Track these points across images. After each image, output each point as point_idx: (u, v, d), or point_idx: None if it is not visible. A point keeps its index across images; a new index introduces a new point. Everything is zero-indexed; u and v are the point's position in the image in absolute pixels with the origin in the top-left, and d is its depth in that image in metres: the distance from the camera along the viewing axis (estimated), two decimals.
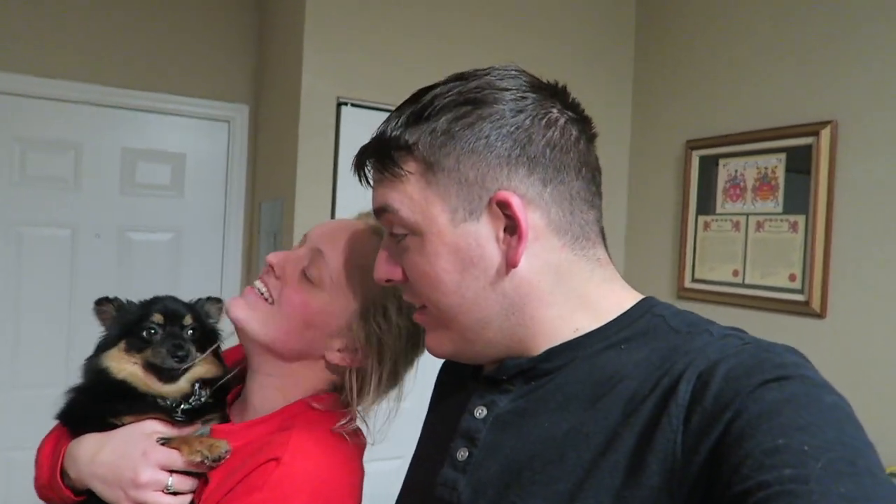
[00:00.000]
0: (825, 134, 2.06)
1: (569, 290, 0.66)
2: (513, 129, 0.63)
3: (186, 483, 0.82)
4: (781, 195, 2.20)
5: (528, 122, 0.64)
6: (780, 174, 2.21)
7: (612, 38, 2.79)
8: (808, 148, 2.11)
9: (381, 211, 0.68)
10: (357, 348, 0.87)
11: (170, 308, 0.93)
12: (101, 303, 0.95)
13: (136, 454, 0.80)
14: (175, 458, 0.81)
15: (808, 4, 2.16)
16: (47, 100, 2.53)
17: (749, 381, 0.51)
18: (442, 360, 0.88)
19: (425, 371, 0.93)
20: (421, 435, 0.84)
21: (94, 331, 2.53)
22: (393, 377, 0.89)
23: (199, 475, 0.82)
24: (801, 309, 2.11)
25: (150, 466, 0.80)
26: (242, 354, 0.95)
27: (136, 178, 2.70)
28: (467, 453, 0.66)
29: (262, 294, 0.88)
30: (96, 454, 0.82)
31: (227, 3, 2.79)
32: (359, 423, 0.88)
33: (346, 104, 2.28)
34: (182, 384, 0.90)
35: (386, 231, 0.70)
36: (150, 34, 2.66)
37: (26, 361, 2.52)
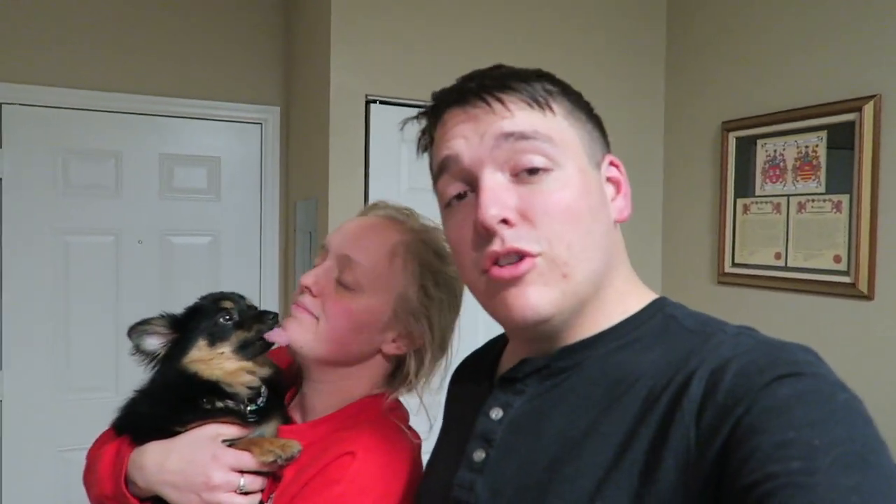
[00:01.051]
0: (868, 109, 1.99)
1: (626, 264, 0.70)
2: (593, 110, 0.72)
3: (256, 482, 0.84)
4: (823, 174, 2.14)
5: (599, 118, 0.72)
6: (822, 153, 2.14)
7: (643, 18, 2.74)
8: (851, 124, 2.04)
9: (517, 136, 0.63)
10: (410, 332, 0.91)
11: (232, 294, 0.95)
12: (143, 323, 0.92)
13: (206, 458, 0.82)
14: (246, 459, 0.83)
15: None
16: (86, 110, 2.60)
17: (761, 377, 0.51)
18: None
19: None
20: (437, 440, 0.85)
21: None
22: (441, 347, 0.94)
23: (267, 474, 0.85)
24: (848, 291, 2.04)
25: (222, 469, 0.81)
26: (289, 357, 0.97)
27: (174, 182, 2.76)
28: (484, 454, 0.67)
29: (302, 312, 0.90)
30: (164, 462, 0.83)
31: (254, 8, 2.83)
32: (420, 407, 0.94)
33: (374, 101, 2.28)
34: (267, 368, 0.93)
35: (500, 164, 0.64)
36: (181, 42, 2.71)
37: (77, 366, 2.60)
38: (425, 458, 0.87)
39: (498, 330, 0.76)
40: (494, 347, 0.83)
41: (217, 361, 0.88)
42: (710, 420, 0.51)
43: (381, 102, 2.29)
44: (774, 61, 2.31)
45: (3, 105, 2.49)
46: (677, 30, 2.73)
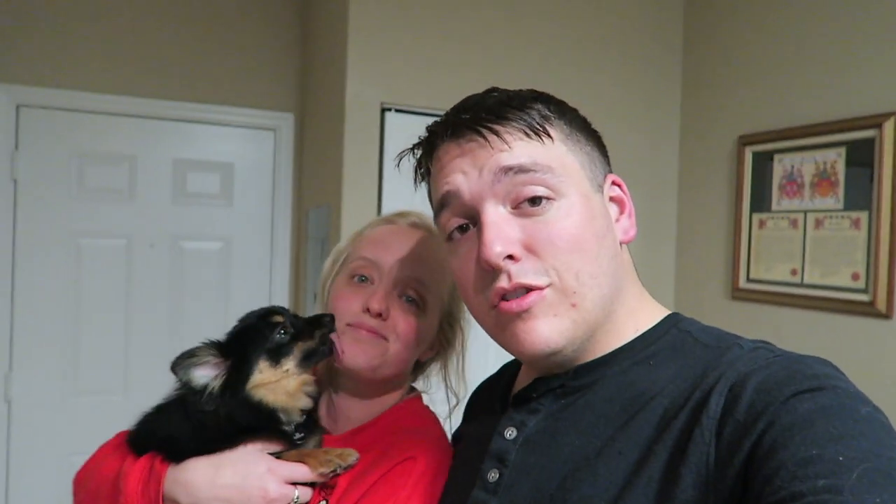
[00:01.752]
0: (889, 126, 1.96)
1: (635, 283, 0.69)
2: (592, 128, 0.71)
3: (307, 493, 0.84)
4: (842, 191, 2.11)
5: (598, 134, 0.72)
6: (840, 169, 2.12)
7: (660, 32, 2.73)
8: (871, 141, 2.02)
9: (517, 170, 0.62)
10: (446, 337, 0.98)
11: (278, 307, 0.90)
12: (189, 356, 0.83)
13: (260, 471, 0.81)
14: (301, 470, 0.83)
15: None
16: (101, 114, 2.62)
17: (781, 392, 0.50)
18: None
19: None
20: (452, 464, 0.85)
21: (150, 339, 2.59)
22: (460, 335, 1.01)
23: (315, 485, 0.85)
24: (866, 309, 2.01)
25: (278, 481, 0.81)
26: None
27: (187, 187, 2.76)
28: (498, 474, 0.66)
29: (376, 333, 0.90)
30: (216, 477, 0.81)
31: (271, 15, 2.84)
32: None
33: (389, 110, 2.28)
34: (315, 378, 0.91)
35: (501, 198, 0.63)
36: (197, 48, 2.73)
37: (86, 369, 2.61)
38: None
39: (508, 357, 0.76)
40: (508, 371, 0.84)
41: (283, 383, 0.84)
42: (731, 437, 0.50)
43: (397, 111, 2.28)
44: (792, 76, 2.28)
45: (20, 108, 2.51)
46: (694, 44, 2.72)
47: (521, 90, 0.69)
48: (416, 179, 0.74)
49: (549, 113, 0.66)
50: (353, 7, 2.24)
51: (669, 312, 0.68)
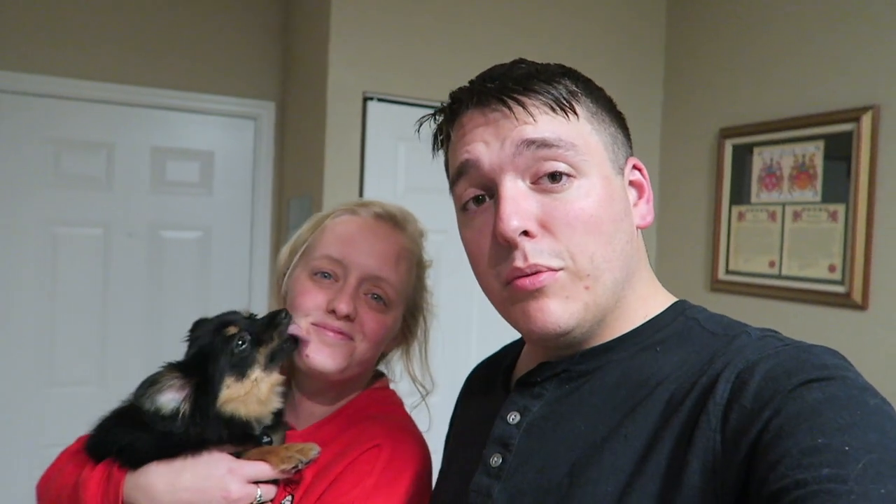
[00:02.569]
0: (866, 120, 1.99)
1: (647, 269, 0.69)
2: (618, 112, 0.69)
3: (271, 491, 0.84)
4: (820, 184, 2.13)
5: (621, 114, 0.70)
6: (819, 162, 2.14)
7: (642, 24, 2.74)
8: (849, 134, 2.04)
9: (539, 144, 0.61)
10: (409, 328, 0.98)
11: (230, 317, 0.88)
12: (151, 383, 0.80)
13: (221, 472, 0.80)
14: (262, 469, 0.82)
15: None
16: (78, 101, 2.56)
17: (789, 380, 0.50)
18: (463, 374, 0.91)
19: (453, 373, 0.95)
20: (448, 445, 0.85)
21: (127, 329, 2.56)
22: (423, 325, 1.00)
23: (278, 482, 0.84)
24: (842, 301, 2.04)
25: (240, 481, 0.80)
26: None
27: (166, 176, 2.72)
28: (501, 459, 0.65)
29: (342, 333, 0.89)
30: (176, 480, 0.80)
31: (253, 2, 2.80)
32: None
33: (372, 99, 2.26)
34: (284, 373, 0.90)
35: (520, 172, 0.62)
36: (176, 33, 2.68)
37: (61, 360, 2.56)
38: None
39: (491, 341, 0.75)
40: (509, 354, 0.82)
41: (254, 392, 0.83)
42: (737, 423, 0.50)
43: (379, 100, 2.27)
44: (773, 69, 2.30)
45: None
46: (675, 37, 2.73)
47: (549, 64, 0.67)
48: (434, 146, 0.72)
49: (576, 89, 0.64)
50: None
51: (677, 300, 0.68)
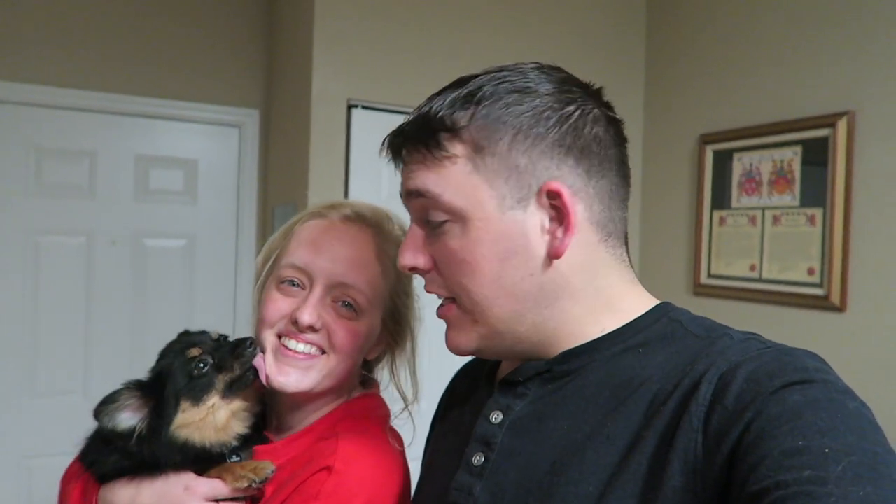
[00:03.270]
0: (842, 125, 2.03)
1: (598, 287, 0.66)
2: (563, 118, 0.63)
3: None
4: (798, 188, 2.17)
5: (577, 113, 0.64)
6: (797, 167, 2.18)
7: (622, 31, 2.77)
8: (825, 140, 2.08)
9: (415, 195, 0.65)
10: (391, 335, 0.93)
11: (195, 338, 0.86)
12: (110, 401, 0.80)
13: (178, 491, 0.80)
14: (219, 487, 0.80)
15: None
16: (61, 109, 2.55)
17: (771, 382, 0.50)
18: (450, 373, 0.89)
19: (441, 378, 0.93)
20: (430, 446, 0.84)
21: (111, 338, 2.53)
22: (409, 331, 0.96)
23: (244, 498, 0.83)
24: (821, 303, 2.08)
25: (196, 500, 0.79)
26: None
27: (150, 184, 2.71)
28: (483, 458, 0.66)
29: (309, 353, 0.85)
30: (135, 498, 0.80)
31: (236, 9, 2.80)
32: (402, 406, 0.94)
33: (356, 106, 2.27)
34: (254, 403, 0.87)
35: (416, 217, 0.68)
36: (160, 41, 2.68)
37: (44, 369, 2.54)
38: (411, 463, 0.86)
39: None
40: None
41: (209, 419, 0.81)
42: (719, 425, 0.51)
43: (363, 107, 2.28)
44: (751, 76, 2.34)
45: None
46: (656, 46, 2.77)
47: (453, 97, 0.65)
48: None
49: (465, 125, 0.63)
50: (319, 2, 2.23)
51: (660, 302, 0.68)
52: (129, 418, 0.80)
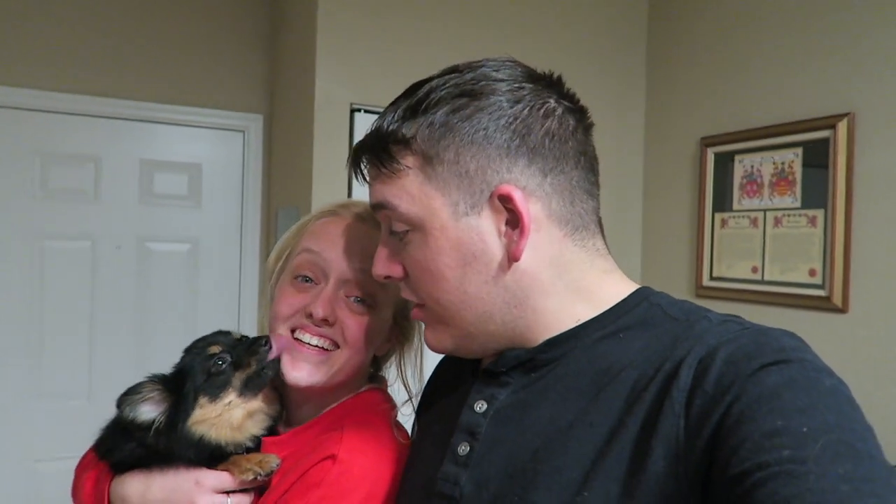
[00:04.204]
0: (842, 126, 2.03)
1: (570, 280, 0.66)
2: (511, 119, 0.63)
3: (244, 500, 0.83)
4: (799, 190, 2.18)
5: (525, 112, 0.63)
6: (797, 169, 2.19)
7: (623, 35, 2.78)
8: (825, 141, 2.09)
9: (378, 207, 0.68)
10: (401, 330, 0.94)
11: (216, 336, 0.88)
12: (133, 392, 0.82)
13: (189, 485, 0.81)
14: (227, 479, 0.82)
15: None
16: (66, 114, 2.57)
17: (749, 364, 0.51)
18: (438, 359, 0.90)
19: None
20: (415, 436, 0.85)
21: (115, 342, 2.53)
22: (417, 327, 0.95)
23: (253, 490, 0.84)
24: (823, 304, 2.08)
25: (206, 493, 0.81)
26: None
27: (154, 188, 2.73)
28: (468, 447, 0.66)
29: (323, 347, 0.86)
30: (146, 492, 0.81)
31: (240, 15, 2.82)
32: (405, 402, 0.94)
33: (359, 110, 2.29)
34: (272, 404, 0.88)
35: (384, 228, 0.70)
36: (164, 47, 2.70)
37: (49, 373, 2.55)
38: None
39: None
40: None
41: (226, 416, 0.82)
42: (699, 409, 0.52)
43: (366, 111, 2.29)
44: (752, 79, 2.35)
45: None
46: (657, 47, 2.78)
47: (405, 105, 0.66)
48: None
49: (412, 136, 0.64)
50: (323, 6, 2.24)
51: (639, 287, 0.68)
52: (149, 411, 0.82)
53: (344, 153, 2.26)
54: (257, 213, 2.88)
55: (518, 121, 0.63)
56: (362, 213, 0.91)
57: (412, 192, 0.64)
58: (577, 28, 2.68)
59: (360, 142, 0.70)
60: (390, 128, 0.65)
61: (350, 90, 2.28)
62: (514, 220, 0.63)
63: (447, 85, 0.65)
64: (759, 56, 2.33)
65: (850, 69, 2.05)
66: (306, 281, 0.88)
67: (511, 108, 0.63)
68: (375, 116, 2.42)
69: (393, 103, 0.68)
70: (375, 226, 0.89)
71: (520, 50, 2.61)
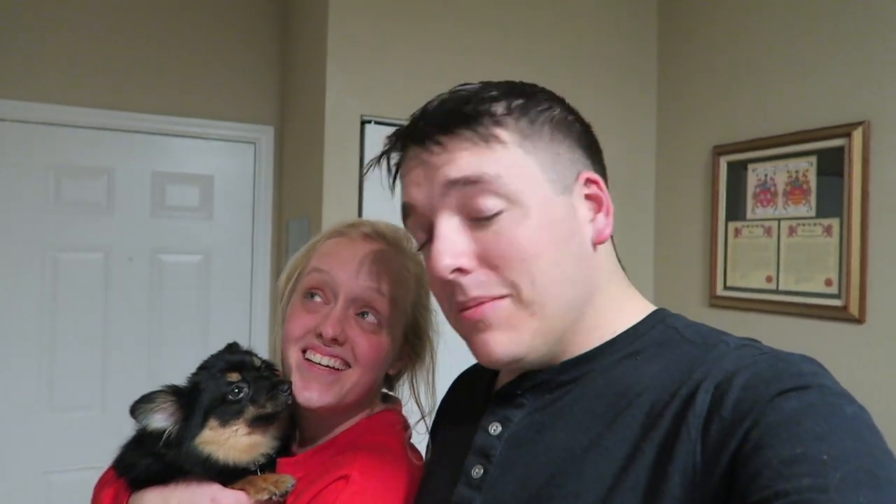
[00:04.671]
0: (857, 135, 2.01)
1: (612, 282, 0.68)
2: (575, 121, 0.67)
3: None
4: (814, 199, 2.16)
5: (580, 121, 0.68)
6: (812, 177, 2.17)
7: (635, 44, 2.78)
8: (840, 150, 2.07)
9: (462, 183, 0.61)
10: (413, 349, 0.93)
11: (240, 360, 0.88)
12: (147, 400, 0.83)
13: (205, 501, 0.81)
14: (242, 498, 0.82)
15: (835, 2, 2.12)
16: (79, 128, 2.60)
17: (767, 390, 0.50)
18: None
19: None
20: (429, 459, 0.84)
21: (128, 353, 2.55)
22: (428, 344, 0.96)
23: None
24: (839, 314, 2.05)
25: None
26: None
27: (166, 200, 2.75)
28: (482, 470, 0.65)
29: (334, 367, 0.86)
30: None
31: (251, 27, 2.85)
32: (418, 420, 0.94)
33: (369, 122, 2.29)
34: (278, 437, 0.88)
35: (453, 211, 0.63)
36: (175, 60, 2.72)
37: (63, 385, 2.56)
38: None
39: None
40: None
41: (232, 441, 0.83)
42: (717, 435, 0.50)
43: (377, 122, 2.30)
44: (765, 87, 2.34)
45: None
46: (669, 55, 2.77)
47: (485, 85, 0.66)
48: (391, 183, 0.72)
49: (505, 113, 0.62)
50: (333, 19, 2.25)
51: (656, 308, 0.68)
52: (161, 420, 0.82)
53: (355, 164, 2.27)
54: (268, 224, 2.89)
55: (580, 125, 0.68)
56: (370, 232, 0.92)
57: (512, 165, 0.61)
58: (587, 37, 2.67)
59: (435, 112, 0.65)
60: (479, 105, 0.63)
61: (360, 102, 2.29)
62: (596, 206, 0.66)
63: (509, 87, 0.67)
64: (771, 63, 2.32)
65: (865, 77, 2.03)
66: (316, 298, 0.88)
67: (570, 114, 0.67)
68: (386, 128, 2.40)
69: (455, 91, 0.66)
70: (383, 244, 0.90)
71: (530, 59, 2.62)
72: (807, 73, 2.20)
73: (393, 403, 0.97)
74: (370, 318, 0.87)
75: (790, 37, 2.25)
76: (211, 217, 2.82)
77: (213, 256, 2.83)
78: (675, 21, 2.74)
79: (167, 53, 2.71)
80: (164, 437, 0.82)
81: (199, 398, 0.83)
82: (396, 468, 0.82)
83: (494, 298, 0.61)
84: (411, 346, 0.94)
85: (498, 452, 0.65)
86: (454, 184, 0.61)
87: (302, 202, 2.54)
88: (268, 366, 0.90)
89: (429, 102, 0.67)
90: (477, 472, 0.65)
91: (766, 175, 2.32)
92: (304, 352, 0.87)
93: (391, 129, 2.48)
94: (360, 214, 2.28)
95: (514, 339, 0.62)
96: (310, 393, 0.85)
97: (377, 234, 0.92)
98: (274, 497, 0.81)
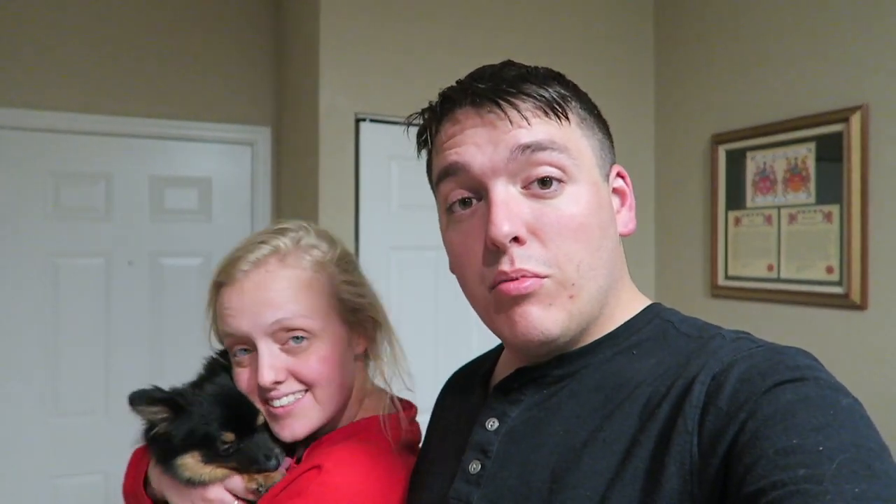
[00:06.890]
0: (856, 119, 2.00)
1: (622, 276, 0.69)
2: (601, 116, 0.70)
3: None
4: (813, 186, 2.15)
5: (602, 116, 0.71)
6: (811, 164, 2.16)
7: (631, 32, 2.77)
8: (839, 135, 2.06)
9: (536, 148, 0.60)
10: (362, 324, 0.93)
11: (239, 419, 0.86)
12: (148, 402, 0.85)
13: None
14: (238, 482, 0.86)
15: None
16: (76, 134, 2.59)
17: (763, 382, 0.51)
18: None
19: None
20: (424, 455, 0.83)
21: (131, 357, 2.53)
22: (382, 312, 0.95)
23: (253, 502, 0.86)
24: (841, 302, 2.04)
25: (217, 486, 0.86)
26: None
27: (165, 204, 2.75)
28: (480, 466, 0.65)
29: (295, 400, 0.85)
30: (161, 476, 0.88)
31: (244, 29, 2.84)
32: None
33: (364, 120, 2.29)
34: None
35: (516, 176, 0.61)
36: (170, 64, 2.72)
37: (65, 390, 2.57)
38: None
39: (493, 341, 0.74)
40: (487, 359, 0.82)
41: (209, 472, 0.85)
42: (713, 426, 0.51)
43: (371, 121, 2.29)
44: (763, 74, 2.33)
45: None
46: (665, 46, 2.76)
47: (538, 67, 0.66)
48: (418, 147, 0.70)
49: (566, 93, 0.64)
50: (325, 17, 2.25)
51: (651, 302, 0.68)
52: (150, 420, 0.87)
53: (350, 162, 2.27)
54: (267, 225, 2.88)
55: (606, 124, 0.70)
56: (247, 268, 0.88)
57: (576, 142, 0.63)
58: (584, 25, 2.66)
59: (518, 73, 0.64)
60: (551, 76, 0.65)
61: (354, 100, 2.28)
62: (621, 200, 0.69)
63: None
64: (768, 49, 2.31)
65: (862, 60, 2.02)
66: (244, 352, 0.88)
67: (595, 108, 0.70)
68: (380, 125, 2.38)
69: (506, 65, 0.66)
70: (264, 266, 0.87)
71: (526, 51, 2.60)
72: (803, 58, 2.18)
73: (407, 409, 0.95)
74: (299, 338, 0.85)
75: (786, 22, 2.24)
76: (210, 219, 2.82)
77: (213, 259, 2.81)
78: (671, 9, 2.73)
79: (161, 58, 2.70)
80: (152, 431, 0.87)
81: (192, 428, 0.85)
82: (373, 463, 0.82)
83: (538, 276, 0.60)
84: (358, 322, 0.92)
85: (495, 448, 0.65)
86: (525, 149, 0.60)
87: (299, 201, 2.53)
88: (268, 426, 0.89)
89: (477, 71, 0.66)
90: (474, 467, 0.65)
91: (764, 163, 2.31)
92: (266, 402, 0.86)
93: (386, 127, 2.48)
94: (356, 212, 2.28)
95: (550, 317, 0.60)
96: (290, 431, 0.85)
97: (257, 261, 0.88)
98: (261, 489, 0.84)
